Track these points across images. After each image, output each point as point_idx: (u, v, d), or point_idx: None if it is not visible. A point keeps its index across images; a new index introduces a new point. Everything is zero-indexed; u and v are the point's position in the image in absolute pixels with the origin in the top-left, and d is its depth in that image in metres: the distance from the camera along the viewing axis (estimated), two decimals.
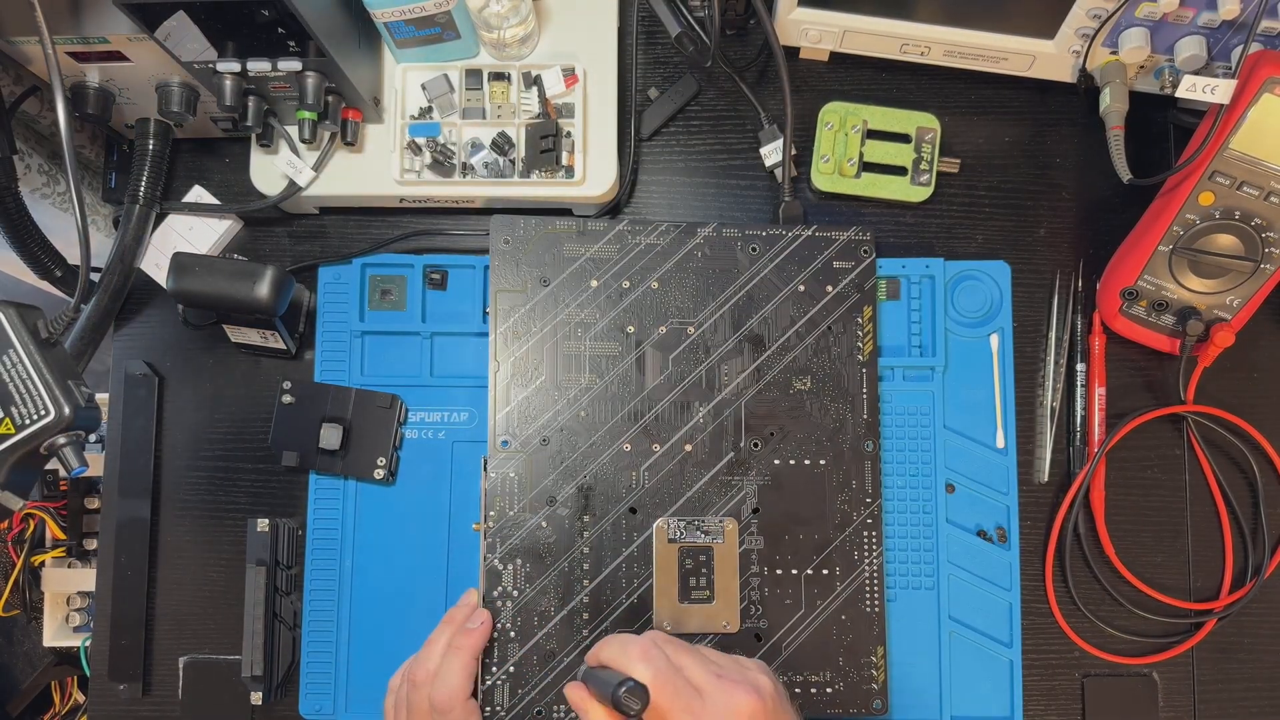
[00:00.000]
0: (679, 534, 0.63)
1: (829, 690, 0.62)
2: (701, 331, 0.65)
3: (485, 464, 0.63)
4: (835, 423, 0.65)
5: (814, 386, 0.65)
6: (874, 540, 0.64)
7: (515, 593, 0.61)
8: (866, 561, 0.63)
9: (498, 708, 0.60)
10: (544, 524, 0.62)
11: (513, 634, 0.61)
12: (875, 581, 0.63)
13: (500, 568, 0.62)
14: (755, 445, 0.64)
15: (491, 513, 0.62)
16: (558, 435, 0.63)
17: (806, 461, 0.64)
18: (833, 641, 0.63)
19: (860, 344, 0.65)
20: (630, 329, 0.64)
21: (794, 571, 0.63)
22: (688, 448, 0.64)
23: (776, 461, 0.64)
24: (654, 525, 0.63)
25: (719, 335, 0.65)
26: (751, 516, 0.63)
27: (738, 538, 0.63)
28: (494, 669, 0.60)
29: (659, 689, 0.48)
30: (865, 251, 0.66)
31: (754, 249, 0.65)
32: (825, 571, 0.63)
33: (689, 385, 0.64)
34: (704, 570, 0.62)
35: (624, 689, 0.48)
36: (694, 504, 0.63)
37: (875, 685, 0.63)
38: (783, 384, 0.65)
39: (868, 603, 0.63)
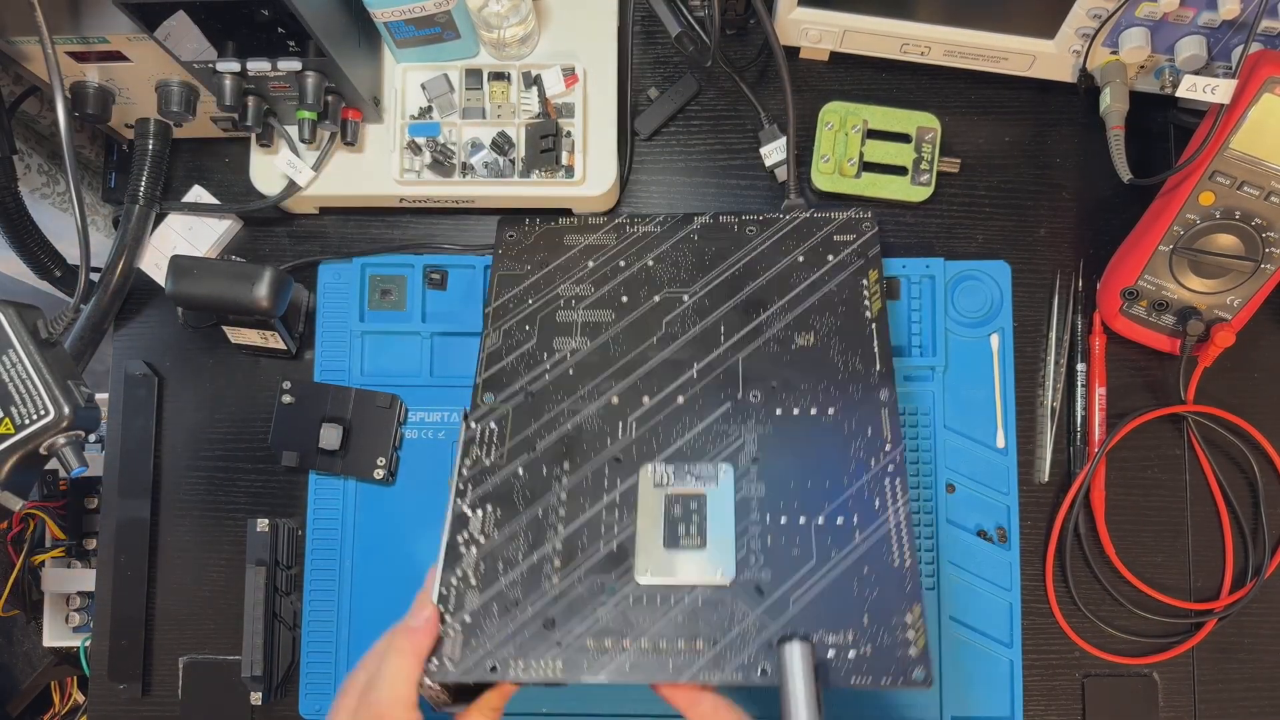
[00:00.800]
0: (667, 479, 0.58)
1: (852, 654, 0.52)
2: (697, 299, 0.64)
3: (465, 416, 0.61)
4: (844, 374, 0.61)
5: (818, 342, 0.62)
6: (898, 488, 0.57)
7: (482, 539, 0.57)
8: (890, 511, 0.56)
9: (446, 660, 0.53)
10: (520, 470, 0.59)
11: (473, 581, 0.56)
12: (903, 533, 0.56)
13: (469, 513, 0.57)
14: (754, 396, 0.60)
15: (467, 460, 0.59)
16: (544, 390, 0.62)
17: (813, 411, 0.60)
18: (854, 597, 0.54)
19: (868, 303, 0.63)
20: (625, 298, 0.64)
21: (801, 520, 0.56)
22: (680, 400, 0.61)
23: (779, 411, 0.60)
24: (640, 470, 0.58)
25: (716, 300, 0.64)
26: (751, 465, 0.58)
27: (734, 484, 0.58)
28: (448, 618, 0.54)
29: None
30: (867, 226, 0.65)
31: (751, 230, 0.66)
32: (840, 520, 0.56)
33: (683, 344, 0.63)
34: (694, 517, 0.57)
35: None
36: (685, 453, 0.59)
37: (914, 650, 0.52)
38: (784, 340, 0.62)
39: (894, 556, 0.55)
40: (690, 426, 0.60)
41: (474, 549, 0.57)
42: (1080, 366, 0.69)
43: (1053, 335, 0.69)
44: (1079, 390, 0.68)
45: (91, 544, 0.79)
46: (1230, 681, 0.68)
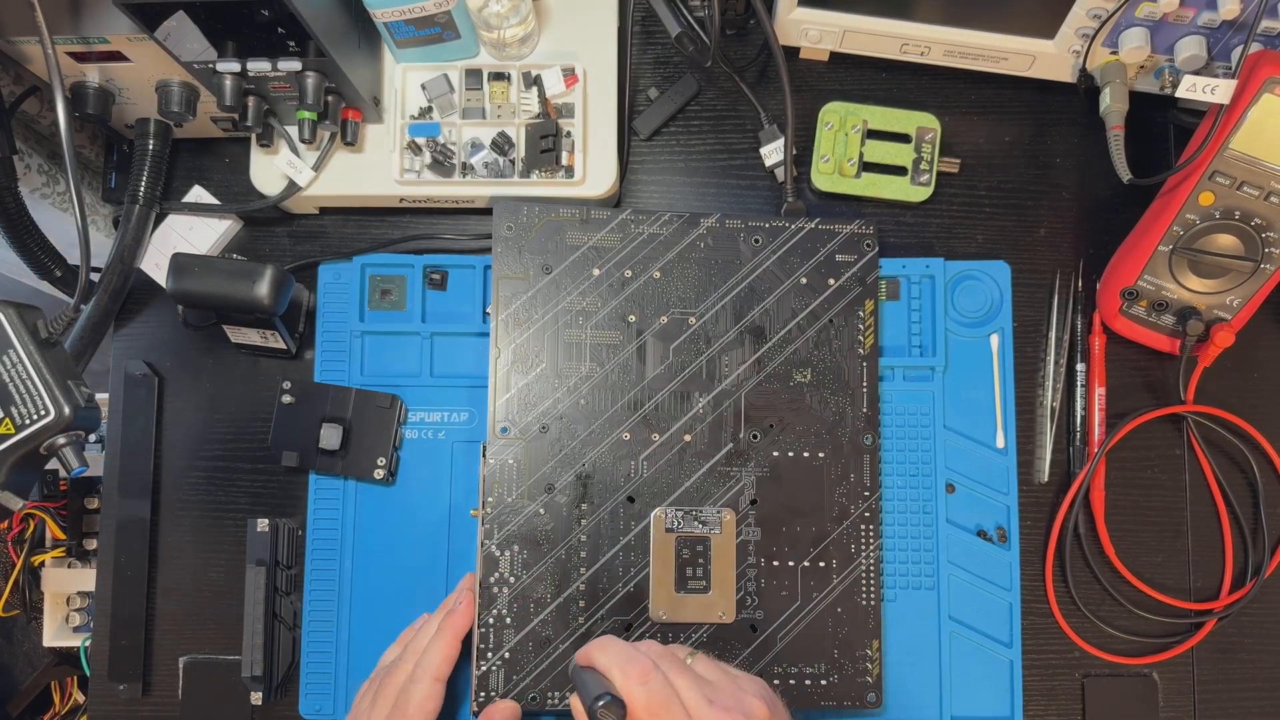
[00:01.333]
0: (676, 524, 0.63)
1: (823, 682, 0.63)
2: (703, 322, 0.65)
3: (484, 450, 0.63)
4: (835, 416, 0.65)
5: (814, 379, 0.65)
6: (871, 534, 0.64)
7: (512, 579, 0.62)
8: (863, 555, 0.64)
9: (492, 693, 0.61)
10: (542, 511, 0.62)
11: (509, 620, 0.61)
12: (872, 575, 0.63)
13: (497, 554, 0.62)
14: (754, 437, 0.64)
15: (490, 499, 0.62)
16: (557, 423, 0.63)
17: (805, 454, 0.64)
18: (828, 634, 0.63)
19: (861, 338, 0.65)
20: (631, 318, 0.64)
21: (790, 563, 0.63)
22: (687, 438, 0.64)
23: (775, 453, 0.64)
24: (651, 515, 0.63)
25: (720, 326, 0.65)
26: (749, 508, 0.63)
27: (735, 529, 0.63)
28: (489, 654, 0.61)
29: (653, 713, 0.48)
30: (868, 245, 0.66)
31: (757, 240, 0.66)
32: (822, 564, 0.63)
33: (689, 375, 0.64)
34: (701, 561, 0.63)
35: (600, 704, 0.47)
36: (692, 494, 0.63)
37: (870, 678, 0.63)
38: (783, 376, 0.65)
39: (863, 596, 0.63)
40: (696, 468, 0.64)
41: (505, 589, 0.62)
42: (1080, 366, 0.69)
43: (1052, 335, 0.69)
44: (1079, 390, 0.68)
45: (92, 544, 0.79)
46: (1230, 681, 0.68)
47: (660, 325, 0.65)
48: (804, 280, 0.65)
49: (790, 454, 0.64)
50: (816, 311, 0.65)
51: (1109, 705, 0.67)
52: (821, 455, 0.64)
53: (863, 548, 0.64)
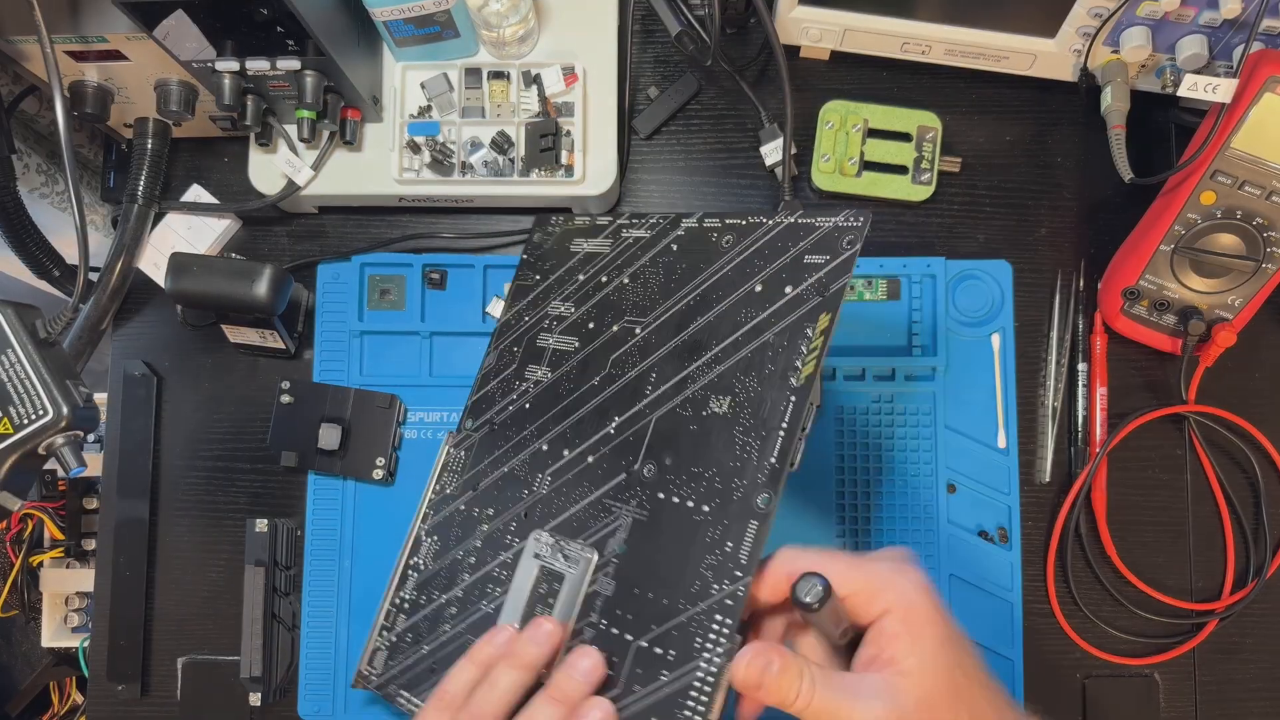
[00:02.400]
0: (545, 551, 0.55)
1: None
2: (647, 333, 0.56)
3: (448, 438, 0.63)
4: (737, 460, 0.49)
5: (731, 411, 0.51)
6: (722, 633, 0.45)
7: (423, 565, 0.60)
8: (704, 658, 0.45)
9: (371, 673, 0.59)
10: (462, 507, 0.60)
11: (406, 605, 0.60)
12: (703, 693, 0.45)
13: (424, 539, 0.61)
14: (648, 470, 0.53)
15: (436, 485, 0.62)
16: (504, 425, 0.61)
17: (690, 503, 0.50)
18: None
19: (800, 363, 0.49)
20: (591, 325, 0.61)
21: (628, 636, 0.49)
22: (589, 459, 0.56)
23: (660, 495, 0.51)
24: (530, 536, 0.56)
25: (661, 338, 0.56)
26: (613, 557, 0.52)
27: (589, 575, 0.52)
28: (383, 633, 0.60)
29: None
30: (848, 243, 0.50)
31: (728, 240, 0.55)
32: (658, 650, 0.47)
33: (614, 392, 0.56)
34: (549, 600, 0.53)
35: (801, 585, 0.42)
36: (573, 524, 0.55)
37: None
38: (699, 403, 0.52)
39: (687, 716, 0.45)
40: (586, 494, 0.54)
41: (415, 574, 0.60)
42: (1081, 366, 0.68)
43: (1054, 335, 0.69)
44: (1080, 390, 0.68)
45: (90, 544, 0.79)
46: (1231, 682, 0.67)
47: (610, 334, 0.58)
48: (758, 288, 0.52)
49: (675, 500, 0.51)
50: (760, 327, 0.51)
51: (1110, 706, 0.67)
52: (706, 510, 0.49)
53: (707, 647, 0.46)
